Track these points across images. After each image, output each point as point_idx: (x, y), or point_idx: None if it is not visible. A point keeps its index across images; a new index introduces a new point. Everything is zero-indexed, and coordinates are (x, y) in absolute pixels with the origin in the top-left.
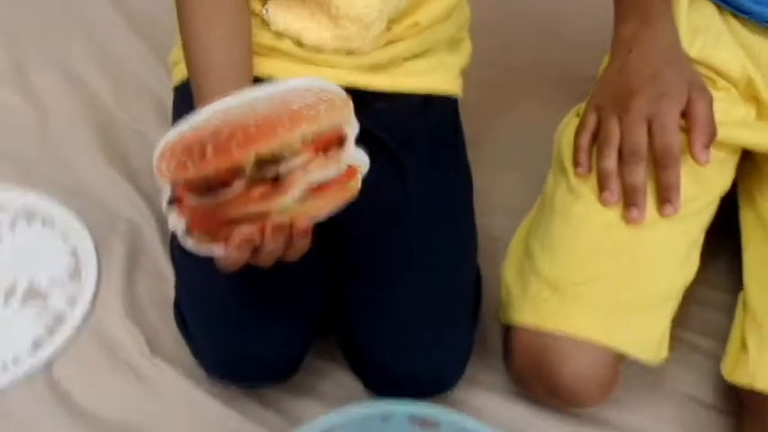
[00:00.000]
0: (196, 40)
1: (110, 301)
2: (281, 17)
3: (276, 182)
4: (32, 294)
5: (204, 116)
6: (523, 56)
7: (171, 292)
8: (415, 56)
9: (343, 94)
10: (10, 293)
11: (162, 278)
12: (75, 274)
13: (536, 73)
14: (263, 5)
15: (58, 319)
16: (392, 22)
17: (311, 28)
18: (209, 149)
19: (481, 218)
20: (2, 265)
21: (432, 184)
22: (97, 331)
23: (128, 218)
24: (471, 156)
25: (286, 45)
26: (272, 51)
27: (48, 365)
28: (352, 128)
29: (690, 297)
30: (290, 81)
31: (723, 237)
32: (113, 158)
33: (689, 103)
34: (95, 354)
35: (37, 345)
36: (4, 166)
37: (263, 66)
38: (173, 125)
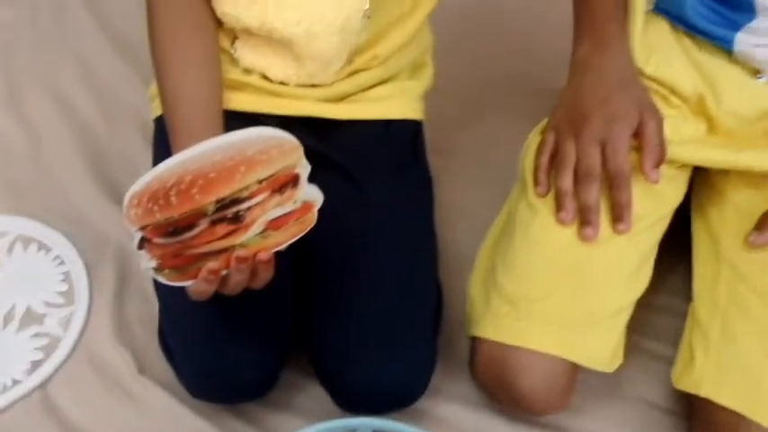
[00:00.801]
0: (167, 80)
1: (100, 323)
2: (248, 55)
3: (237, 220)
4: (29, 318)
5: (167, 166)
6: (493, 69)
7: (157, 315)
8: (377, 83)
9: (293, 138)
10: (9, 318)
11: (149, 301)
12: (69, 297)
13: (505, 87)
14: (232, 44)
15: (53, 342)
16: (353, 54)
17: (276, 65)
18: (173, 196)
19: (448, 231)
20: (1, 289)
21: (392, 208)
22: (89, 352)
23: (117, 242)
24: (439, 169)
25: (254, 80)
26: (242, 85)
27: (43, 385)
28: (304, 168)
29: (649, 304)
30: (243, 131)
31: (684, 244)
32: (102, 183)
33: (640, 124)
34: (88, 374)
35: (34, 367)
36: (1, 192)
37: (233, 99)
38: (153, 154)
